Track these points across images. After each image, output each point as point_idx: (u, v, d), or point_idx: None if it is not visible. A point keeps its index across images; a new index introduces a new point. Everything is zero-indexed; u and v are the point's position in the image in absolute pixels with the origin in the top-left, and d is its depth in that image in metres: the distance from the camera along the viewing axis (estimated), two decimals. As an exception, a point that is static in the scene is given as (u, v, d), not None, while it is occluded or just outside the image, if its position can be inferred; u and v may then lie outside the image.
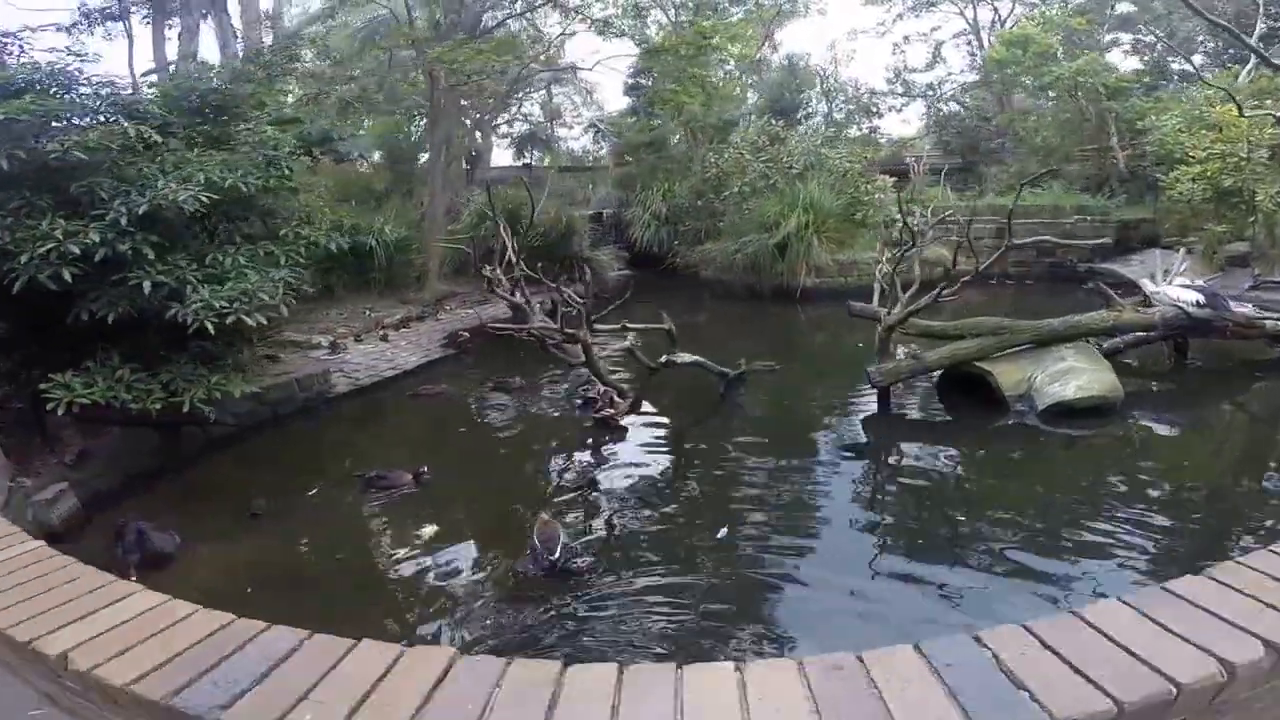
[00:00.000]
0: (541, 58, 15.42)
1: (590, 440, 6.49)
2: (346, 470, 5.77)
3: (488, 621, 3.67)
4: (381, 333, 10.93)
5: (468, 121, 23.35)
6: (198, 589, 3.46)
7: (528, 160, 24.14)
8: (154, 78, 7.36)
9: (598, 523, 4.85)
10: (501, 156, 25.26)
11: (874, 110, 22.99)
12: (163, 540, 4.34)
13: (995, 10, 21.43)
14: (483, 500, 5.43)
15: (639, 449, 6.29)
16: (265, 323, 5.42)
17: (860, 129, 23.68)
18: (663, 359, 7.46)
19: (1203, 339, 7.86)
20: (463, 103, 15.38)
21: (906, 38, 22.98)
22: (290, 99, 11.77)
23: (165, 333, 5.17)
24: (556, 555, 3.91)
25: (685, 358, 7.59)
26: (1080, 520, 4.47)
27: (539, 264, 14.20)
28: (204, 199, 5.10)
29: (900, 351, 7.50)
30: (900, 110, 22.66)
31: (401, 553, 4.51)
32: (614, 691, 1.41)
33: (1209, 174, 11.87)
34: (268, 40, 13.91)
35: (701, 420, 7.34)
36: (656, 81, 17.11)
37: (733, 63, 19.13)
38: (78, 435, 5.49)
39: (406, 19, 13.12)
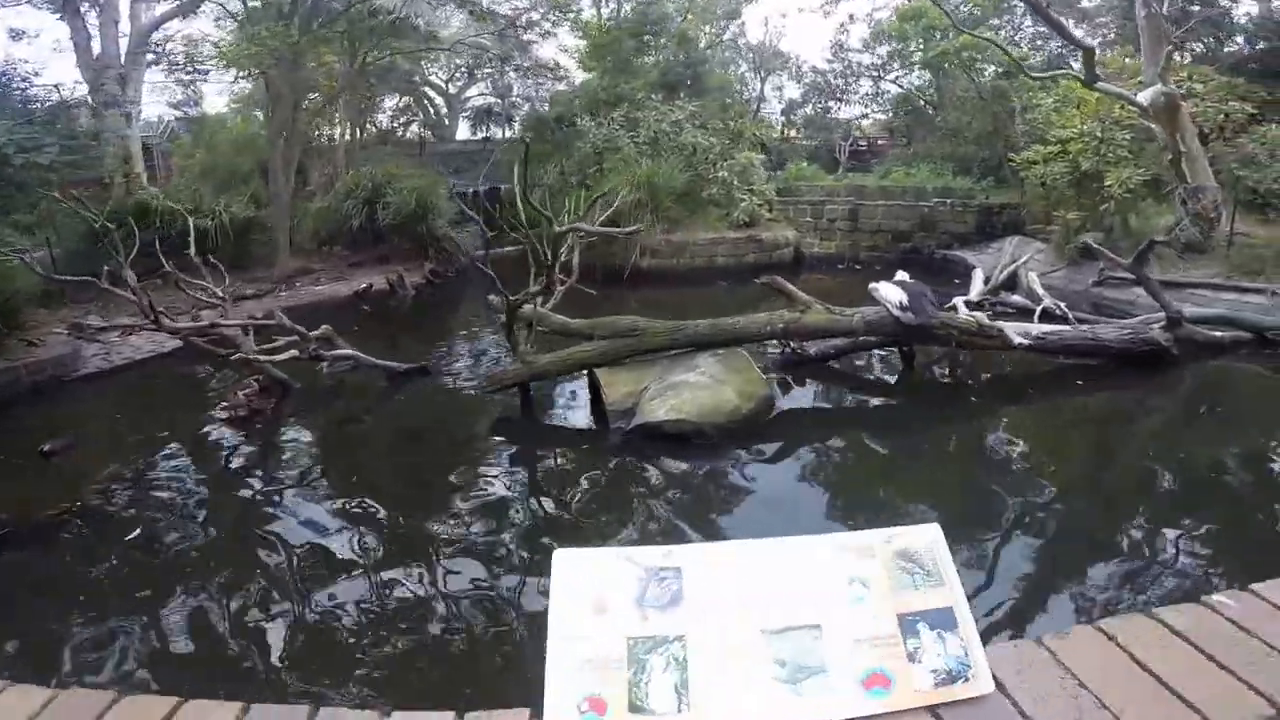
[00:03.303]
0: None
1: (213, 433, 5.85)
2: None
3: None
4: (194, 313, 10.18)
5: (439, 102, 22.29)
6: None
7: (486, 134, 23.05)
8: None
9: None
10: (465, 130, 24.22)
11: (828, 89, 20.86)
12: None
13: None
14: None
15: (250, 444, 5.72)
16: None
17: (815, 109, 21.72)
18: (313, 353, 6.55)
19: (932, 346, 6.42)
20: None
21: (852, 16, 20.66)
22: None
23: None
24: None
25: (338, 353, 6.63)
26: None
27: (395, 240, 13.54)
28: None
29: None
30: (843, 91, 20.39)
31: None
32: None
33: (1070, 154, 10.00)
34: (124, 40, 12.89)
35: (345, 421, 6.32)
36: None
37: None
38: None
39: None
